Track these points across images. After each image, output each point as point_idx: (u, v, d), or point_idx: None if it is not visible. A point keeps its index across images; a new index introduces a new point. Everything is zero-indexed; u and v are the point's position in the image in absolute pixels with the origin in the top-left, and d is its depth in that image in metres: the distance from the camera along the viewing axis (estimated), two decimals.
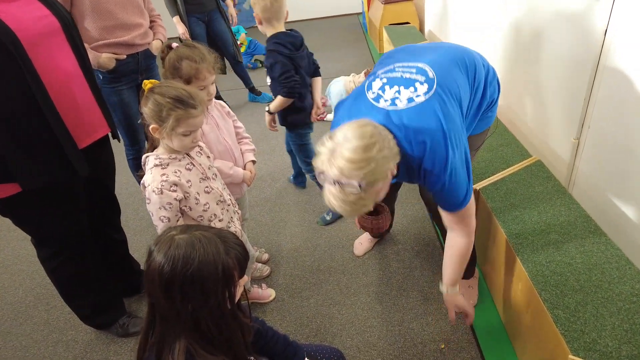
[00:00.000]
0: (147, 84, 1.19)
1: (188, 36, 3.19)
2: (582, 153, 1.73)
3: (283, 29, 1.82)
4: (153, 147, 1.30)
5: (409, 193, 2.28)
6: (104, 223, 1.66)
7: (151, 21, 2.05)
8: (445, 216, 1.22)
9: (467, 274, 1.62)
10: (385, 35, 4.54)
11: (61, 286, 1.54)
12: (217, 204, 1.32)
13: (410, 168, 1.13)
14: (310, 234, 2.10)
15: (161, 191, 1.17)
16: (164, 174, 1.19)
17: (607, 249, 1.29)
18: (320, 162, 1.00)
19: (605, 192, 1.59)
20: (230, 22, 3.48)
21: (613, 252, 1.28)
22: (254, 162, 1.67)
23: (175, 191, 1.20)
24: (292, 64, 1.81)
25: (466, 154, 1.14)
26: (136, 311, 1.79)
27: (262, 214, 2.30)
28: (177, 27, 3.19)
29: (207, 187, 1.30)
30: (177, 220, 1.23)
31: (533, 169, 1.74)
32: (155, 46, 2.01)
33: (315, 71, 1.98)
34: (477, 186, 1.67)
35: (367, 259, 1.90)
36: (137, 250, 2.05)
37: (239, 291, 0.88)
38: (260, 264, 1.91)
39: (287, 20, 1.82)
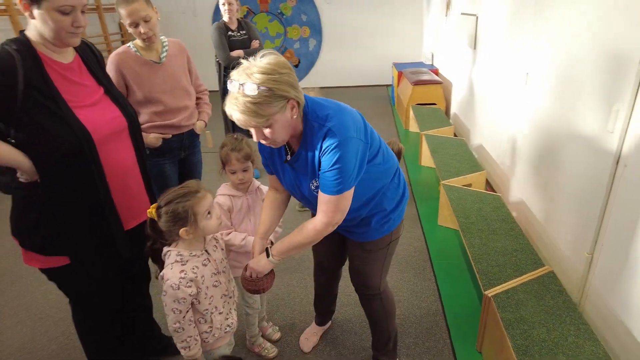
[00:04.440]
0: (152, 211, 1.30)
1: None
2: (595, 269, 1.78)
3: None
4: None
5: (423, 283, 2.34)
6: (134, 289, 1.77)
7: (198, 98, 2.21)
8: (321, 198, 1.25)
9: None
10: (412, 113, 4.77)
11: (89, 347, 1.64)
12: (221, 297, 1.41)
13: (312, 130, 1.21)
14: None
15: (178, 287, 1.27)
16: (182, 271, 1.30)
17: None
18: (236, 71, 1.12)
19: (616, 314, 1.62)
20: None
21: None
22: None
23: (190, 287, 1.30)
24: None
25: (364, 153, 1.24)
26: None
27: (280, 285, 2.39)
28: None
29: (216, 281, 1.40)
30: (187, 312, 1.32)
31: (545, 280, 1.79)
32: (199, 127, 2.17)
33: None
34: (489, 293, 1.73)
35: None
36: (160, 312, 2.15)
37: None
38: (269, 344, 1.94)
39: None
